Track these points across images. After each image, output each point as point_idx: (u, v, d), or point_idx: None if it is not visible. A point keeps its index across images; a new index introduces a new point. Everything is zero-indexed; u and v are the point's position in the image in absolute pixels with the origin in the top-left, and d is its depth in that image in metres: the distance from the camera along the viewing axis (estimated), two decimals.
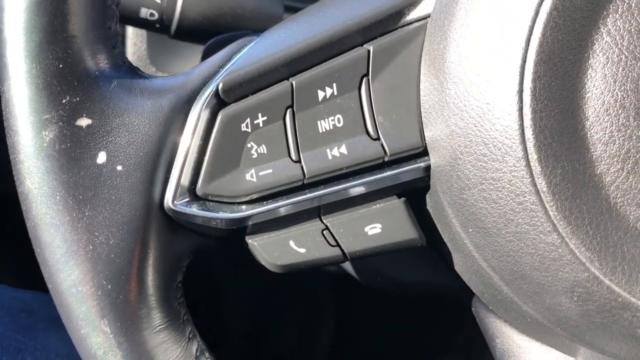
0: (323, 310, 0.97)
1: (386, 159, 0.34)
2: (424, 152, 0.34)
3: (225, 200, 0.35)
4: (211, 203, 0.35)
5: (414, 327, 0.95)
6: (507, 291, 0.33)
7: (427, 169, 0.34)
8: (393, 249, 0.36)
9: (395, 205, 0.35)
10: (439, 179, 0.33)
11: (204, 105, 0.34)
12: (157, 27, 0.52)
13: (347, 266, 0.66)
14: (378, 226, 0.35)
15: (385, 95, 0.34)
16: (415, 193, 0.36)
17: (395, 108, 0.34)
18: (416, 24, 0.35)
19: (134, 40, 0.65)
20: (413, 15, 0.35)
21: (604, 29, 0.30)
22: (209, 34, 0.53)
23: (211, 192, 0.35)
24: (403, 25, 0.35)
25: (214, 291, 0.91)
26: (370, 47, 0.34)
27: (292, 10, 0.62)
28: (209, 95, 0.34)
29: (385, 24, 0.35)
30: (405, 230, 0.35)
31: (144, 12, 0.51)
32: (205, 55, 0.49)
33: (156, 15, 0.52)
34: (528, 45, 0.29)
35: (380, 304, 0.92)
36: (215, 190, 0.35)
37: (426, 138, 0.34)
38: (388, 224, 0.35)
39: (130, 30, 0.65)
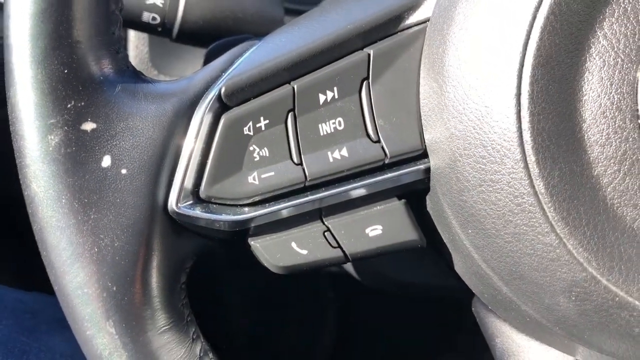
0: (325, 310, 0.97)
1: (386, 161, 0.35)
2: (423, 155, 0.35)
3: (228, 202, 0.35)
4: (214, 205, 0.35)
5: (416, 326, 0.96)
6: (506, 291, 0.34)
7: (427, 171, 0.35)
8: (394, 250, 0.36)
9: (396, 206, 0.36)
10: (438, 181, 0.34)
11: (207, 109, 0.35)
12: (159, 31, 0.53)
13: (349, 267, 0.67)
14: (379, 227, 0.36)
15: (386, 98, 0.35)
16: (415, 195, 0.36)
17: (396, 111, 0.35)
18: (416, 28, 0.35)
19: (136, 44, 0.66)
20: (413, 19, 0.35)
21: (600, 32, 0.30)
22: (211, 37, 0.53)
23: (214, 195, 0.35)
24: (403, 29, 0.35)
25: (217, 292, 0.91)
26: (370, 50, 0.35)
27: (292, 13, 0.63)
28: (211, 99, 0.35)
29: (385, 28, 0.35)
30: (405, 232, 0.36)
31: (146, 16, 0.52)
32: (207, 59, 0.49)
33: (158, 19, 0.52)
34: (526, 49, 0.30)
35: (381, 304, 0.92)
36: (218, 192, 0.35)
37: (426, 141, 0.34)
38: (389, 225, 0.36)
39: (132, 34, 0.65)
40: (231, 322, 0.92)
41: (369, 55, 0.35)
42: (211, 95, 0.35)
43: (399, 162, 0.35)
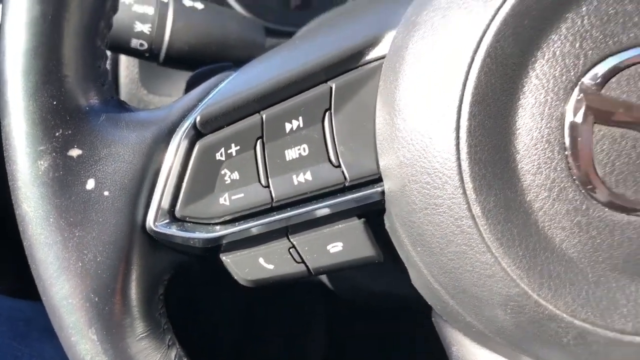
0: (312, 321, 0.98)
1: (346, 184, 0.37)
2: (380, 179, 0.37)
3: (201, 221, 0.38)
4: (189, 224, 0.38)
5: (405, 337, 0.96)
6: (452, 304, 0.36)
7: (383, 193, 0.37)
8: (353, 265, 0.39)
9: (356, 225, 0.38)
10: (391, 203, 0.36)
11: (183, 136, 0.38)
12: (147, 56, 0.56)
13: (336, 281, 0.69)
14: (339, 244, 0.38)
15: (346, 127, 0.37)
16: (374, 214, 0.38)
17: (355, 139, 0.37)
18: (375, 63, 0.37)
19: (127, 65, 0.69)
20: (372, 55, 0.37)
21: (532, 73, 0.32)
22: (196, 61, 0.56)
23: (189, 214, 0.38)
24: (363, 64, 0.37)
25: (202, 304, 0.92)
26: (332, 84, 0.37)
27: (274, 33, 0.66)
28: (187, 127, 0.38)
29: (347, 62, 0.38)
30: (364, 248, 0.38)
31: (135, 43, 0.55)
32: (189, 86, 0.53)
33: (146, 45, 0.55)
34: (464, 88, 0.32)
35: (368, 315, 0.94)
36: (192, 212, 0.38)
37: (380, 166, 0.36)
38: (348, 242, 0.38)
39: (123, 56, 0.68)
40: (218, 338, 0.94)
41: (331, 88, 0.37)
42: (187, 123, 0.38)
43: (358, 185, 0.37)
